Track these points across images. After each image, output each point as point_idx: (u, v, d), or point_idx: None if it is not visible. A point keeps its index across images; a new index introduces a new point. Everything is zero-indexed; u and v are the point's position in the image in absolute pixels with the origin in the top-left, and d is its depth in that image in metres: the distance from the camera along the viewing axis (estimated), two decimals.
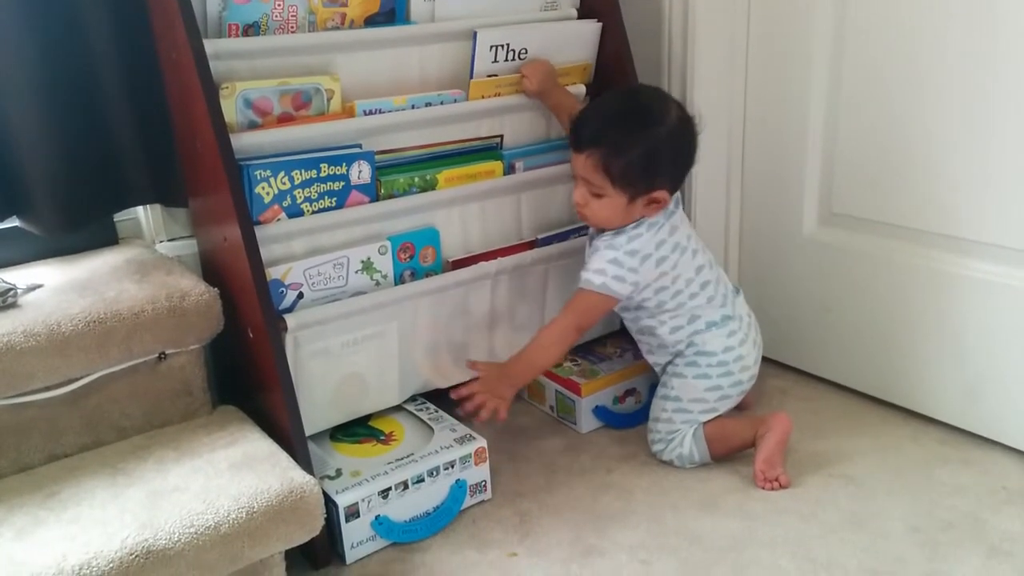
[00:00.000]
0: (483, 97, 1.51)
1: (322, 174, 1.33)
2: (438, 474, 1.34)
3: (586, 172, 1.36)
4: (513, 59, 1.52)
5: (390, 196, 1.42)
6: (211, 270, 1.41)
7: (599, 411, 1.60)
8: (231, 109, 1.28)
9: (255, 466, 1.17)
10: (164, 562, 1.02)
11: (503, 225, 1.57)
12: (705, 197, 1.75)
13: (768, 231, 1.75)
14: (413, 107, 1.43)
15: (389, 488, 1.30)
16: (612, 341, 1.73)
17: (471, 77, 1.49)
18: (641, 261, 1.38)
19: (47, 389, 1.20)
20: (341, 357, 1.37)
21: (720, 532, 1.30)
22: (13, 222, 1.39)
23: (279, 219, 1.31)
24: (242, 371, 1.35)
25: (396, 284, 1.43)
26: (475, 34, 1.46)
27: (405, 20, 1.45)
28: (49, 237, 1.40)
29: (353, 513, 1.27)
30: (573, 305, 1.41)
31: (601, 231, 1.43)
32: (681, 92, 1.70)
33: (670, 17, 1.68)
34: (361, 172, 1.37)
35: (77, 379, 1.22)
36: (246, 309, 1.27)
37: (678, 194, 1.44)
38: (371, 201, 1.40)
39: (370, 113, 1.39)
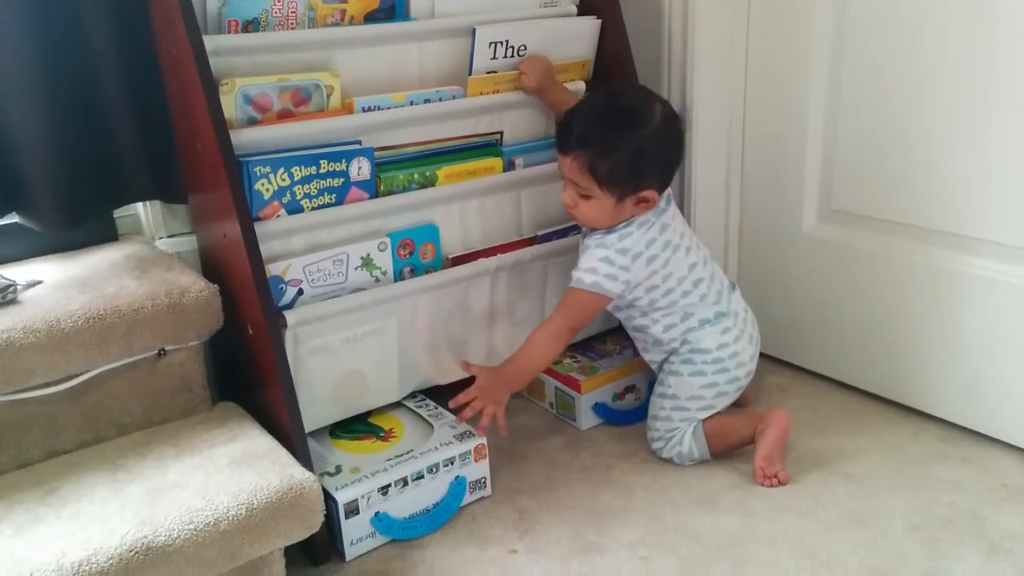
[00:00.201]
0: (482, 94, 1.51)
1: (322, 170, 1.33)
2: (438, 471, 1.34)
3: (573, 174, 1.36)
4: (512, 56, 1.52)
5: (390, 192, 1.42)
6: (211, 266, 1.41)
7: (599, 408, 1.60)
8: (231, 105, 1.27)
9: (255, 463, 1.17)
10: (163, 559, 1.02)
11: (503, 221, 1.57)
12: (704, 194, 1.75)
13: (767, 228, 1.75)
14: (412, 104, 1.43)
15: (389, 485, 1.30)
16: (612, 338, 1.73)
17: (470, 73, 1.49)
18: (632, 259, 1.38)
19: (47, 385, 1.20)
20: (341, 353, 1.37)
21: (719, 529, 1.30)
22: (12, 218, 1.39)
23: (279, 215, 1.31)
24: (242, 367, 1.35)
25: (396, 280, 1.43)
26: (474, 31, 1.46)
27: (405, 16, 1.45)
28: (49, 233, 1.40)
29: (353, 510, 1.27)
30: (565, 304, 1.41)
31: (592, 230, 1.43)
32: (681, 90, 1.70)
33: (670, 15, 1.68)
34: (361, 168, 1.37)
35: (77, 375, 1.22)
36: (246, 305, 1.27)
37: (669, 191, 1.44)
38: (371, 197, 1.40)
39: (369, 110, 1.39)
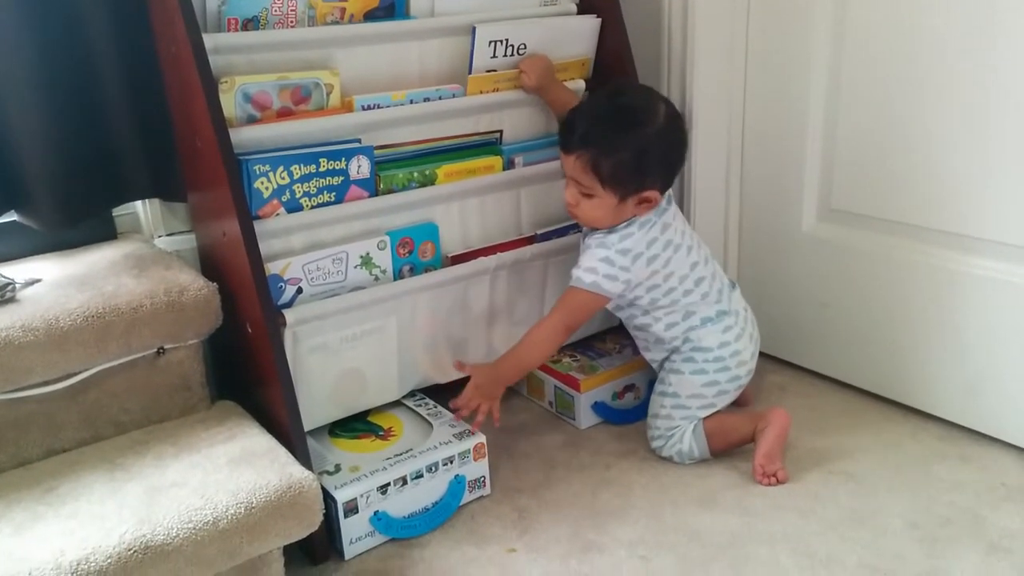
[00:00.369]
0: (481, 92, 1.51)
1: (321, 169, 1.33)
2: (437, 470, 1.34)
3: (575, 173, 1.36)
4: (512, 54, 1.52)
5: (389, 191, 1.42)
6: (210, 265, 1.41)
7: (598, 407, 1.60)
8: (230, 103, 1.27)
9: (254, 461, 1.17)
10: (162, 558, 1.02)
11: (502, 220, 1.57)
12: (704, 193, 1.75)
13: (767, 227, 1.75)
14: (412, 102, 1.42)
15: (388, 484, 1.30)
16: (611, 337, 1.73)
17: (470, 72, 1.49)
18: (633, 260, 1.38)
19: (45, 384, 1.20)
20: (340, 352, 1.37)
21: (719, 528, 1.30)
22: (11, 216, 1.39)
23: (278, 214, 1.31)
24: (241, 366, 1.35)
25: (395, 279, 1.43)
26: (474, 29, 1.46)
27: (404, 15, 1.45)
28: (47, 232, 1.40)
29: (352, 509, 1.27)
30: (563, 303, 1.41)
31: (594, 229, 1.43)
32: (680, 88, 1.70)
33: (669, 13, 1.68)
34: (360, 167, 1.37)
35: (75, 374, 1.22)
36: (245, 304, 1.27)
37: (670, 191, 1.44)
38: (370, 196, 1.40)
39: (369, 108, 1.38)
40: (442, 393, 1.50)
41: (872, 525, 1.29)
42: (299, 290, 1.33)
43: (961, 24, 1.36)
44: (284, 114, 1.33)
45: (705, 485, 1.41)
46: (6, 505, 1.10)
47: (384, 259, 1.41)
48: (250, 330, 1.27)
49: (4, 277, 1.27)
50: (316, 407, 1.37)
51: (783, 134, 1.66)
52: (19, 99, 1.29)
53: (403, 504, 1.32)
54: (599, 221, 1.40)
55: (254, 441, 1.23)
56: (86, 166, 1.37)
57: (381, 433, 1.44)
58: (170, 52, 1.27)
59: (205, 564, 1.06)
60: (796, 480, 1.40)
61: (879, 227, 1.56)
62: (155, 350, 1.28)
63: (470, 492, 1.39)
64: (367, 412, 1.48)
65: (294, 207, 1.33)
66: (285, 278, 1.31)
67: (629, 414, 1.61)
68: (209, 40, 1.22)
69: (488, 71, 1.51)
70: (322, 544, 1.26)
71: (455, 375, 1.50)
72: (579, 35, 1.61)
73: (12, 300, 1.24)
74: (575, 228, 1.60)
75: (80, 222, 1.42)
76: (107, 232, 1.51)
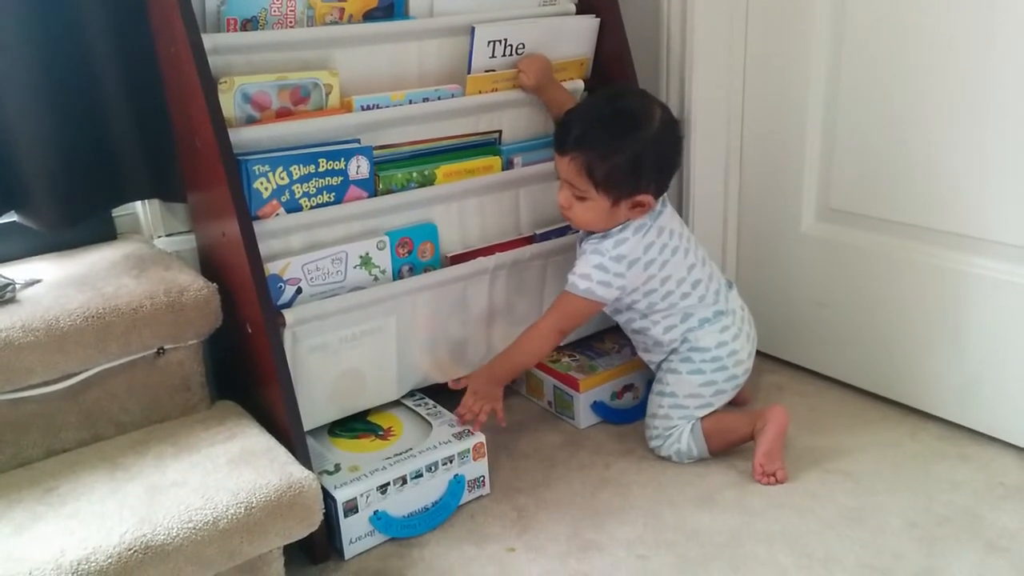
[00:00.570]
0: (480, 92, 1.51)
1: (320, 169, 1.33)
2: (436, 469, 1.34)
3: (569, 175, 1.36)
4: (511, 54, 1.52)
5: (388, 191, 1.42)
6: (209, 265, 1.41)
7: (597, 407, 1.60)
8: (229, 104, 1.27)
9: (253, 461, 1.17)
10: (162, 557, 1.02)
11: (501, 220, 1.57)
12: (703, 193, 1.75)
13: (766, 227, 1.75)
14: (411, 102, 1.43)
15: (387, 483, 1.30)
16: (610, 337, 1.73)
17: (469, 72, 1.49)
18: (628, 266, 1.38)
19: (45, 384, 1.20)
20: (339, 352, 1.37)
21: (718, 527, 1.31)
22: (11, 217, 1.39)
23: (277, 214, 1.31)
24: (240, 366, 1.35)
25: (394, 279, 1.43)
26: (473, 29, 1.46)
27: (403, 15, 1.45)
28: (47, 232, 1.40)
29: (351, 508, 1.27)
30: (557, 307, 1.42)
31: (589, 233, 1.43)
32: (679, 89, 1.70)
33: (668, 14, 1.68)
34: (359, 167, 1.37)
35: (75, 374, 1.22)
36: (244, 304, 1.27)
37: (665, 194, 1.44)
38: (369, 196, 1.40)
39: (368, 108, 1.39)
40: (442, 393, 1.50)
41: (871, 524, 1.29)
42: (298, 290, 1.33)
43: (961, 24, 1.36)
44: (283, 114, 1.33)
45: (704, 484, 1.41)
46: (6, 505, 1.11)
47: (383, 259, 1.41)
48: (250, 330, 1.27)
49: (4, 277, 1.28)
50: (316, 407, 1.37)
51: (782, 134, 1.66)
52: (18, 99, 1.29)
53: (403, 504, 1.32)
54: (592, 224, 1.40)
55: (254, 441, 1.23)
56: (86, 166, 1.37)
57: (381, 433, 1.44)
58: (169, 52, 1.27)
59: (205, 564, 1.06)
60: (795, 479, 1.40)
61: (878, 227, 1.56)
62: (155, 350, 1.28)
63: (469, 492, 1.39)
64: (367, 412, 1.48)
65: (293, 207, 1.33)
66: (284, 278, 1.31)
67: (628, 414, 1.61)
68: (208, 40, 1.22)
69: (487, 71, 1.51)
70: (322, 544, 1.27)
71: (454, 375, 1.50)
72: (578, 35, 1.61)
73: (12, 300, 1.24)
74: (573, 228, 1.60)
75: (80, 222, 1.42)
76: (107, 232, 1.51)
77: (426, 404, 1.49)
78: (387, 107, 1.40)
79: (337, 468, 1.32)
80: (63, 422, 1.23)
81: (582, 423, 1.60)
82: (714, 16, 1.65)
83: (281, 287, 1.31)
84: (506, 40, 1.50)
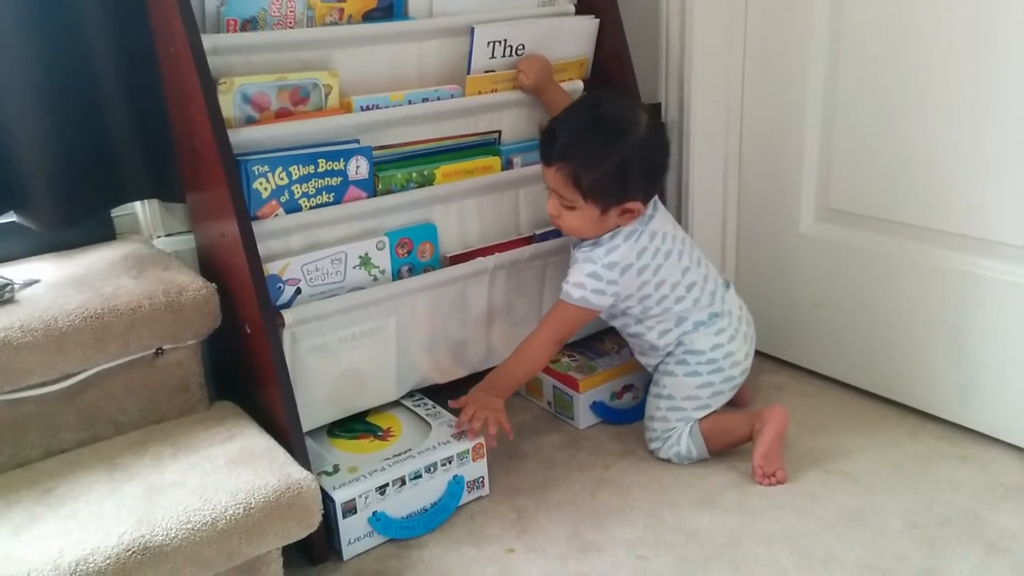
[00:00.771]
0: (480, 93, 1.51)
1: (320, 169, 1.33)
2: (435, 470, 1.34)
3: (556, 185, 1.36)
4: (510, 55, 1.52)
5: (388, 191, 1.42)
6: (209, 265, 1.41)
7: (597, 407, 1.60)
8: (229, 104, 1.27)
9: (252, 462, 1.17)
10: (161, 558, 1.02)
11: (501, 221, 1.57)
12: (702, 194, 1.75)
13: (765, 227, 1.75)
14: (410, 103, 1.43)
15: (387, 484, 1.29)
16: (610, 337, 1.73)
17: (468, 73, 1.49)
18: (621, 272, 1.38)
19: (44, 384, 1.20)
20: (339, 353, 1.37)
21: (718, 528, 1.30)
22: (10, 217, 1.39)
23: (277, 214, 1.31)
24: (239, 367, 1.35)
25: (394, 279, 1.43)
26: (472, 30, 1.46)
27: (403, 16, 1.45)
28: (46, 232, 1.40)
29: (350, 509, 1.27)
30: (552, 316, 1.42)
31: (581, 240, 1.42)
32: (678, 89, 1.70)
33: (667, 15, 1.68)
34: (359, 167, 1.37)
35: (74, 374, 1.22)
36: (244, 304, 1.27)
37: (656, 197, 1.43)
38: (369, 196, 1.40)
39: (367, 109, 1.39)
40: (441, 393, 1.50)
41: (871, 525, 1.29)
42: (298, 290, 1.33)
43: (960, 24, 1.36)
44: (283, 115, 1.33)
45: (704, 485, 1.41)
46: (5, 506, 1.10)
47: (383, 259, 1.41)
48: (249, 331, 1.27)
49: (3, 278, 1.27)
50: (315, 407, 1.37)
51: (781, 134, 1.66)
52: (18, 99, 1.29)
53: (402, 504, 1.32)
54: (582, 232, 1.40)
55: (253, 441, 1.23)
56: (85, 167, 1.37)
57: (380, 433, 1.44)
58: (169, 52, 1.27)
59: (204, 564, 1.06)
60: (794, 480, 1.40)
61: (877, 227, 1.56)
62: (154, 351, 1.28)
63: (469, 492, 1.39)
64: (366, 412, 1.48)
65: (293, 208, 1.33)
66: (284, 278, 1.31)
67: (628, 414, 1.61)
68: (208, 41, 1.22)
69: (486, 72, 1.51)
70: (321, 545, 1.26)
71: (453, 375, 1.51)
72: (577, 36, 1.61)
73: (11, 301, 1.24)
74: None
75: (79, 223, 1.42)
76: (106, 233, 1.51)
77: (425, 405, 1.49)
78: (386, 107, 1.40)
79: (336, 469, 1.32)
80: (61, 422, 1.23)
81: (582, 423, 1.59)
82: (713, 17, 1.65)
83: (280, 287, 1.31)
84: (506, 41, 1.50)
